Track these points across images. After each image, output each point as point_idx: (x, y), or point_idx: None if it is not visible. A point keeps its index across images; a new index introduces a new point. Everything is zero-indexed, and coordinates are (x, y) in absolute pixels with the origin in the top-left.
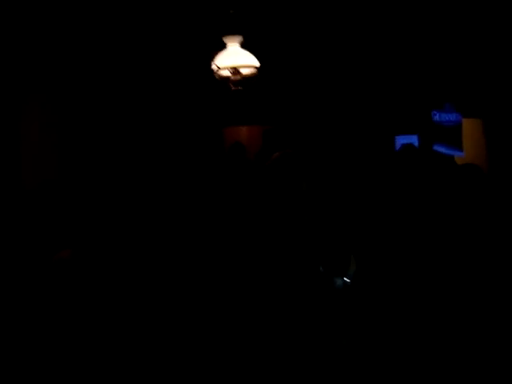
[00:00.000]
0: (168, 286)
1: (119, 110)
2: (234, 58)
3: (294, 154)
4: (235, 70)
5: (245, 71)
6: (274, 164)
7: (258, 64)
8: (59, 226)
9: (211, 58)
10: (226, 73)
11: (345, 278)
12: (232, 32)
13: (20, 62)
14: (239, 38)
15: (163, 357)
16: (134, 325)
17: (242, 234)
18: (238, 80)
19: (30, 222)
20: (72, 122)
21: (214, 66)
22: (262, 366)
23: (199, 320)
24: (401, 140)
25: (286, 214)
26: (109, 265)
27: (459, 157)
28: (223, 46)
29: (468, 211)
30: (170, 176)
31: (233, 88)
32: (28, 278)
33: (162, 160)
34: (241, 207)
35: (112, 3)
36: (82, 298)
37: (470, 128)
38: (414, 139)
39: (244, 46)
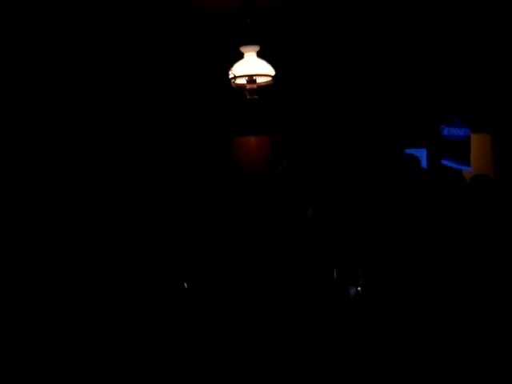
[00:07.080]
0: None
1: (131, 115)
2: (250, 67)
3: (303, 163)
4: (251, 79)
5: (260, 80)
6: (284, 172)
7: (273, 73)
8: None
9: (228, 67)
10: (242, 81)
11: (358, 288)
12: (249, 42)
13: None
14: (256, 48)
15: (165, 355)
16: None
17: (255, 241)
18: (253, 89)
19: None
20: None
21: (230, 75)
22: (270, 367)
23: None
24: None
25: (297, 221)
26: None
27: (466, 171)
28: (241, 56)
29: (477, 223)
30: (178, 180)
31: (248, 96)
32: None
33: (171, 164)
34: (253, 214)
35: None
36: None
37: (477, 143)
38: (422, 153)
39: (260, 55)
